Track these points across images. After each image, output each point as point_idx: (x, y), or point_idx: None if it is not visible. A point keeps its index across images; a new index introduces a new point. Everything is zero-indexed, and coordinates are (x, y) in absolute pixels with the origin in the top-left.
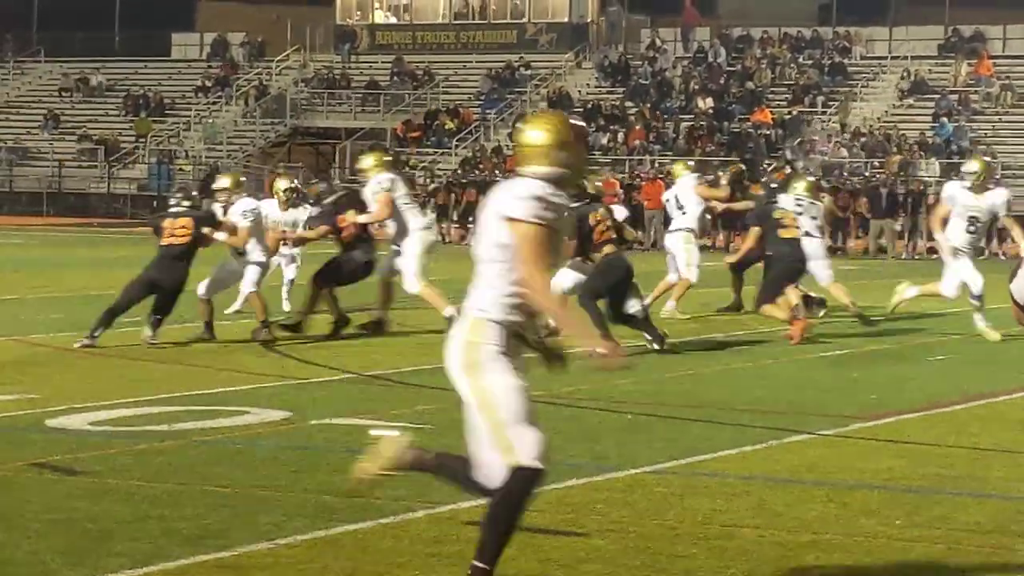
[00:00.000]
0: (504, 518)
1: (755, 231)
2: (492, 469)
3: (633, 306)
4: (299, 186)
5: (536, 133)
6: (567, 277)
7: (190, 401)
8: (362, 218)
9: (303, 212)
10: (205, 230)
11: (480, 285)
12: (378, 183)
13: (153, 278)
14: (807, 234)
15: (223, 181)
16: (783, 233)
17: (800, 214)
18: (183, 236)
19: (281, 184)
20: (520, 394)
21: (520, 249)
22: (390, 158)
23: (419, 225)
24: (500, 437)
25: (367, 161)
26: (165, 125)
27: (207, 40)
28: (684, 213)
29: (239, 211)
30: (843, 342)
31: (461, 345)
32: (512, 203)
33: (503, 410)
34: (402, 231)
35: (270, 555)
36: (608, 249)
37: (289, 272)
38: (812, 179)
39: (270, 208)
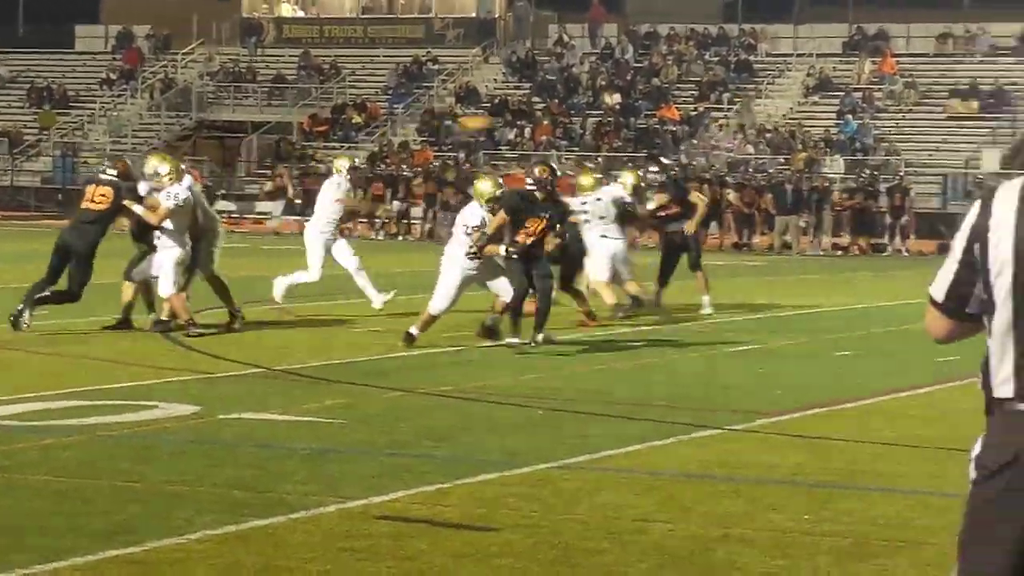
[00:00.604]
0: None
1: (501, 216)
2: None
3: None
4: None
5: None
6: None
7: (98, 395)
8: (137, 209)
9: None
10: (126, 202)
11: None
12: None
13: (66, 242)
14: (603, 236)
15: (162, 167)
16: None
17: (585, 214)
18: (102, 203)
19: (344, 163)
20: None
21: None
22: (184, 164)
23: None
24: None
25: (163, 168)
26: (69, 118)
27: (112, 32)
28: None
29: (170, 193)
30: (749, 338)
31: None
32: None
33: None
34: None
35: (180, 550)
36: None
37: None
38: (599, 176)
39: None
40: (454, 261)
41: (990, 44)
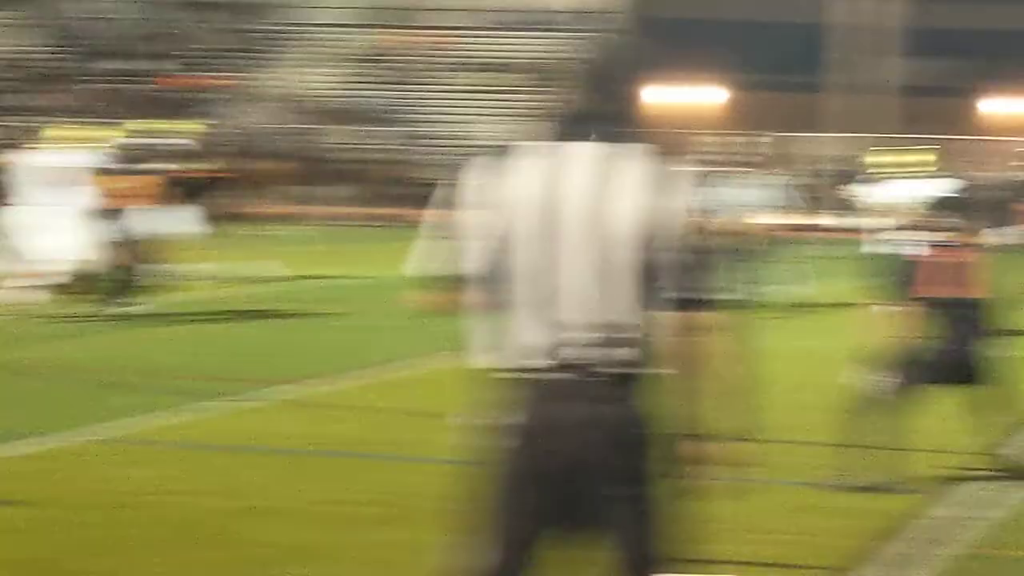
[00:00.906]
0: None
1: (153, 180)
2: None
3: None
4: None
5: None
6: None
7: None
8: None
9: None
10: None
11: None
12: None
13: None
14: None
15: None
16: None
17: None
18: None
19: None
20: None
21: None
22: None
23: None
24: None
25: None
26: None
27: None
28: None
29: None
30: (278, 307)
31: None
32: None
33: None
34: None
35: None
36: None
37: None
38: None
39: None
40: (80, 209)
41: (525, 18)
